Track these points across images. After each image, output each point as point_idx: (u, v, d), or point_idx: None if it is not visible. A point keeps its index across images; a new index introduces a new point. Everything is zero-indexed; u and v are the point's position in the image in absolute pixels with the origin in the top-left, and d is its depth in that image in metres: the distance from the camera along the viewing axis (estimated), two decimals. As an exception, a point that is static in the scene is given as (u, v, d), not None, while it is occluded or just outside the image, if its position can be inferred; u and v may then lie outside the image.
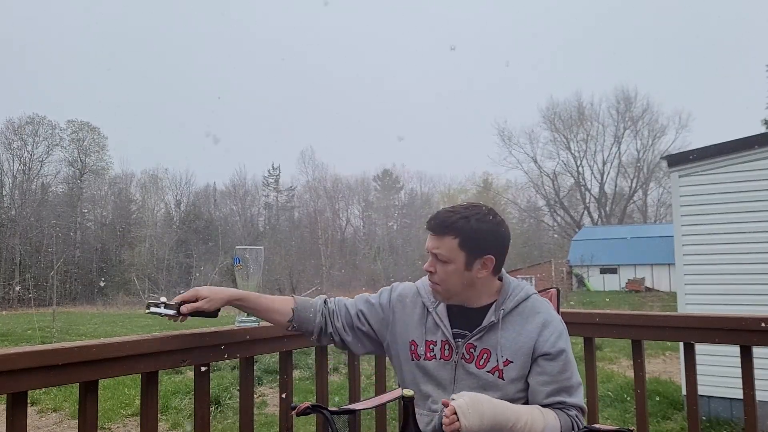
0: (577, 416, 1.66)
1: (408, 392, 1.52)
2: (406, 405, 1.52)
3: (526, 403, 1.69)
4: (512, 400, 1.65)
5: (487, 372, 1.68)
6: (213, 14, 73.35)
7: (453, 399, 1.53)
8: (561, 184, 52.14)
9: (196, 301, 1.72)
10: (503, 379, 1.66)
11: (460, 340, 1.73)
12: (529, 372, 1.68)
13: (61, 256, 38.08)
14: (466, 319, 1.75)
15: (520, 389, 1.68)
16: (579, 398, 1.68)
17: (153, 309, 1.71)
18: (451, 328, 1.75)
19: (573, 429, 1.65)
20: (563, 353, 1.67)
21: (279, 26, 76.67)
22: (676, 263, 7.77)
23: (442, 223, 1.68)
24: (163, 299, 1.74)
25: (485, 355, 1.69)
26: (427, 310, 1.80)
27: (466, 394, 1.56)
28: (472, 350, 1.71)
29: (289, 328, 1.85)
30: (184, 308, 1.70)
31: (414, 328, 1.80)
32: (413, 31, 78.70)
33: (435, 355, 1.74)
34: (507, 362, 1.67)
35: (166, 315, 1.70)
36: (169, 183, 51.89)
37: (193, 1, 72.44)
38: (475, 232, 1.68)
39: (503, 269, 1.79)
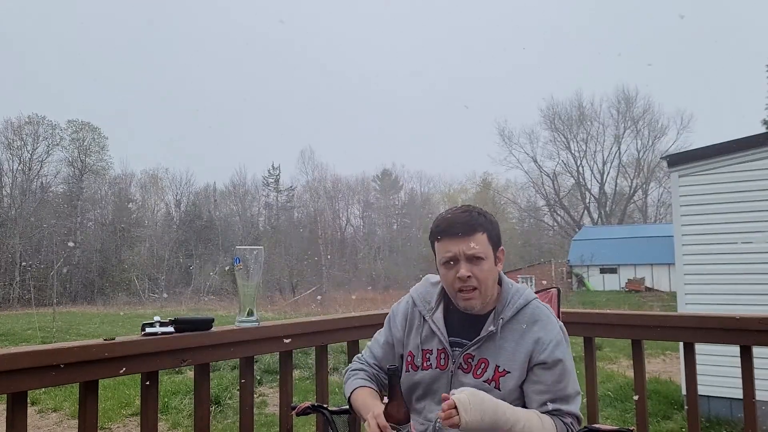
0: (572, 423, 1.62)
1: (392, 366, 1.56)
2: (391, 377, 1.54)
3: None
4: None
5: (483, 382, 1.64)
6: (214, 15, 73.40)
7: (453, 393, 1.50)
8: (561, 184, 52.21)
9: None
10: (500, 390, 1.63)
11: (457, 349, 1.70)
12: (525, 380, 1.65)
13: (61, 256, 38.07)
14: (464, 327, 1.72)
15: (516, 398, 1.66)
16: (575, 407, 1.64)
17: (148, 329, 1.77)
18: (449, 336, 1.72)
19: None
20: (560, 363, 1.62)
21: (279, 26, 76.64)
22: (676, 263, 7.77)
23: (468, 223, 1.65)
24: (157, 318, 1.81)
25: (483, 364, 1.66)
26: (423, 318, 1.76)
27: (467, 389, 1.52)
28: (470, 360, 1.67)
29: None
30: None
31: (412, 339, 1.77)
32: (414, 32, 78.70)
33: (431, 364, 1.71)
34: (504, 372, 1.64)
35: (163, 334, 1.74)
36: (169, 183, 52.02)
37: (195, 2, 72.48)
38: (493, 225, 1.70)
39: (503, 273, 1.77)
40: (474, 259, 1.64)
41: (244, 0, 72.68)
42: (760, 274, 7.06)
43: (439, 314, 1.75)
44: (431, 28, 78.36)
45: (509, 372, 1.63)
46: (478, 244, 1.64)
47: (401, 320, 1.82)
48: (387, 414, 1.52)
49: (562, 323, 1.74)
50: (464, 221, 1.66)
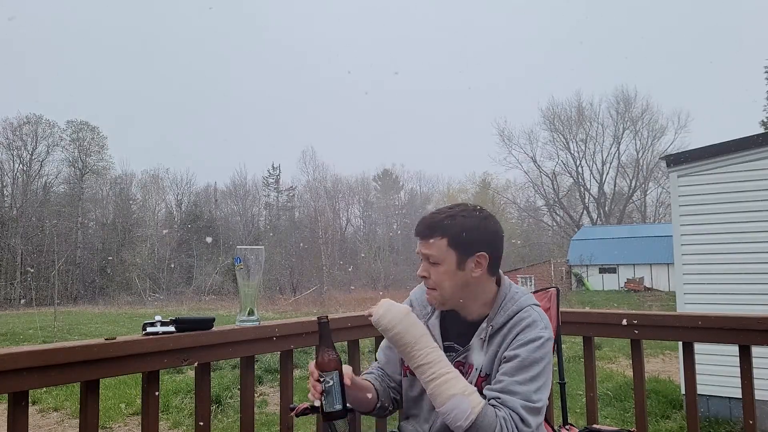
0: (505, 419, 1.47)
1: (322, 316, 1.61)
2: (321, 326, 1.58)
3: None
4: None
5: None
6: (215, 17, 73.39)
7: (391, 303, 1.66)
8: (560, 184, 52.20)
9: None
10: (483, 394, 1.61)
11: (451, 354, 1.69)
12: None
13: (62, 256, 38.07)
14: (460, 332, 1.71)
15: None
16: (519, 405, 1.49)
17: (150, 329, 1.77)
18: (444, 342, 1.71)
19: (495, 430, 1.47)
20: (516, 358, 1.56)
21: (280, 27, 76.67)
22: (675, 263, 7.77)
23: (429, 225, 1.65)
24: (158, 317, 1.81)
25: (470, 370, 1.65)
26: None
27: (404, 306, 1.66)
28: (461, 367, 1.66)
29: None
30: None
31: None
32: (412, 32, 78.68)
33: None
34: (486, 376, 1.61)
35: (164, 333, 1.74)
36: (170, 183, 52.11)
37: (195, 2, 72.45)
38: (462, 228, 1.63)
39: (502, 273, 1.73)
40: (429, 262, 1.66)
41: (245, 2, 72.69)
42: (759, 273, 7.06)
43: (434, 320, 1.74)
44: (431, 28, 78.35)
45: (489, 374, 1.62)
46: (433, 248, 1.63)
47: None
48: (316, 362, 1.55)
49: (549, 328, 1.65)
50: (427, 223, 1.67)
